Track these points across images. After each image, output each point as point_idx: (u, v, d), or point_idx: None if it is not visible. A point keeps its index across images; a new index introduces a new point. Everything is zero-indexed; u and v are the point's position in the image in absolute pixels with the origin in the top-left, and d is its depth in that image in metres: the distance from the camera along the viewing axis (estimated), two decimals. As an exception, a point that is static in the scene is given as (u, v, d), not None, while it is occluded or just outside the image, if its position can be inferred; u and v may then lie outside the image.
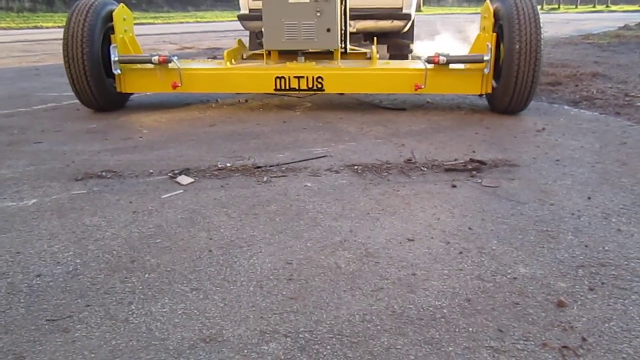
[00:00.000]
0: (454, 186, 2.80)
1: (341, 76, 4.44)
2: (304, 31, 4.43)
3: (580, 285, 1.85)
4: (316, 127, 4.11)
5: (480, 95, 4.51)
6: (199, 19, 25.35)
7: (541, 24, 3.99)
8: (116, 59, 4.40)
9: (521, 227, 2.30)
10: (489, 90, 4.35)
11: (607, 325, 1.63)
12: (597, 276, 1.91)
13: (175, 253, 2.10)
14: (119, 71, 4.45)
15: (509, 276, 1.91)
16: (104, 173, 3.04)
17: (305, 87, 4.42)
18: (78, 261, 2.04)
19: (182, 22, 23.38)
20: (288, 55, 4.74)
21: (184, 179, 2.92)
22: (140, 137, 3.85)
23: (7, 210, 2.54)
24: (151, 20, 23.53)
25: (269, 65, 4.63)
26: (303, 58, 4.65)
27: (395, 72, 4.46)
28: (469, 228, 2.30)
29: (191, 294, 1.82)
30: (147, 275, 1.94)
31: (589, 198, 2.62)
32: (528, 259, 2.03)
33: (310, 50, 4.65)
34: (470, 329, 1.61)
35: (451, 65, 4.30)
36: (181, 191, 2.77)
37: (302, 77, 4.39)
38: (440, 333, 1.60)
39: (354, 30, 5.74)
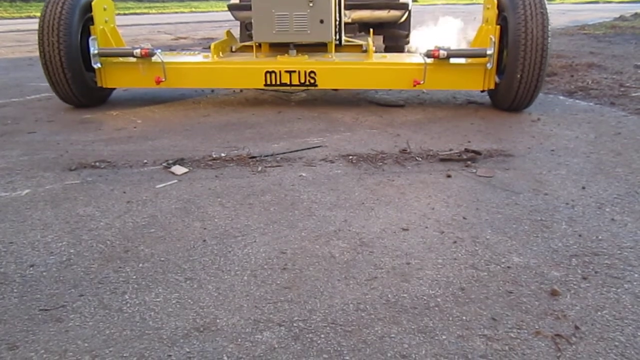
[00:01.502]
0: (449, 176, 2.80)
1: (335, 71, 4.23)
2: (296, 22, 4.20)
3: (573, 274, 1.86)
4: (311, 117, 4.10)
5: (482, 91, 4.33)
6: (193, 9, 25.19)
7: (548, 16, 3.79)
8: (96, 51, 4.17)
9: (515, 217, 2.31)
10: (492, 86, 4.15)
11: (599, 313, 1.64)
12: (590, 265, 1.91)
13: (170, 243, 2.10)
14: (99, 65, 4.21)
15: (502, 265, 1.91)
16: (97, 163, 3.03)
17: (297, 83, 4.22)
18: (72, 251, 2.03)
19: (176, 12, 23.23)
20: (279, 47, 4.54)
21: (178, 169, 2.91)
22: (134, 127, 3.84)
23: (0, 201, 2.52)
24: (145, 10, 23.37)
25: (258, 59, 4.41)
26: (295, 51, 4.44)
27: (392, 67, 4.23)
28: (464, 217, 2.30)
29: (185, 284, 1.81)
30: (141, 265, 1.93)
31: (584, 188, 2.63)
32: (522, 248, 2.03)
33: (303, 43, 4.43)
34: (464, 318, 1.62)
35: (452, 60, 4.10)
36: (175, 181, 2.76)
37: (294, 71, 4.18)
38: (434, 322, 1.60)
39: (349, 20, 5.54)
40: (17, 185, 2.71)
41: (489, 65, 4.01)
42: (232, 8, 5.75)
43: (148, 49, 4.17)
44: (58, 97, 4.34)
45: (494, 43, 3.97)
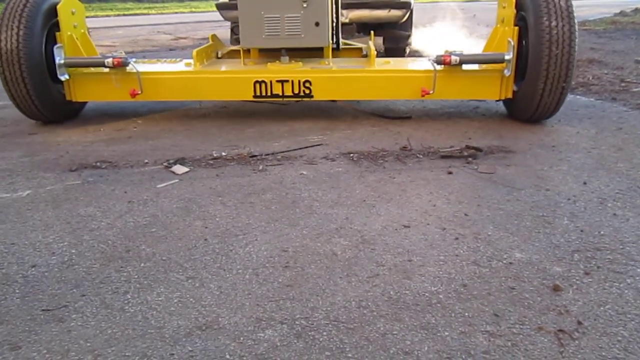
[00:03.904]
0: (450, 173, 2.79)
1: (332, 80, 3.78)
2: (288, 26, 3.75)
3: (575, 269, 1.86)
4: (312, 115, 4.10)
5: (498, 101, 3.89)
6: (193, 9, 25.18)
7: (575, 14, 3.34)
8: (62, 61, 3.70)
9: (517, 213, 2.30)
10: (509, 95, 3.68)
11: (602, 308, 1.63)
12: (592, 260, 1.91)
13: (171, 242, 2.10)
14: (66, 76, 3.74)
15: (504, 261, 1.91)
16: (98, 163, 3.03)
17: (290, 94, 3.78)
18: (73, 251, 2.04)
19: (176, 12, 23.22)
20: (270, 53, 4.13)
21: (179, 169, 2.91)
22: (135, 128, 3.84)
23: (1, 202, 2.52)
24: (145, 11, 23.38)
25: (246, 67, 3.98)
26: (287, 57, 3.98)
27: (398, 75, 3.79)
28: (465, 214, 2.30)
29: (187, 283, 1.81)
30: (142, 265, 1.93)
31: (585, 183, 2.62)
32: (524, 244, 2.03)
33: (296, 47, 3.94)
34: (466, 314, 1.62)
35: (464, 66, 3.66)
36: (176, 180, 2.76)
37: (286, 81, 3.74)
38: (436, 318, 1.60)
39: (347, 20, 5.22)
40: (18, 187, 2.71)
41: (506, 72, 3.56)
42: (220, 8, 5.35)
43: (121, 57, 3.72)
44: (21, 112, 3.87)
45: (513, 47, 3.52)
